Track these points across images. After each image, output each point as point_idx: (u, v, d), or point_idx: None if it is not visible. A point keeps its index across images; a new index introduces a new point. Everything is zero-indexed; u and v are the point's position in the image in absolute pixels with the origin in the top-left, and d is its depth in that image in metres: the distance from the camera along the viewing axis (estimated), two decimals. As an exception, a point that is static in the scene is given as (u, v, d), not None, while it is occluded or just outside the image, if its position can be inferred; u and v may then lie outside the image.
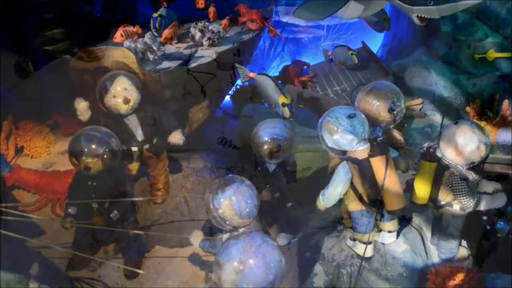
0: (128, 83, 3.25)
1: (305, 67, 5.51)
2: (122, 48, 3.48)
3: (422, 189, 3.04)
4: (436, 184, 3.04)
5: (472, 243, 3.33)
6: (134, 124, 3.37)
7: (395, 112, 2.93)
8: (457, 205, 3.03)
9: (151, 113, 3.42)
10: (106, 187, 2.99)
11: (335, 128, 2.68)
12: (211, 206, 2.43)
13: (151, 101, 3.48)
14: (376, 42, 5.77)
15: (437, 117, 4.85)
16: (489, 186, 3.15)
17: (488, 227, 3.27)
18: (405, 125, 4.33)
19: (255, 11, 4.92)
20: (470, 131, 2.90)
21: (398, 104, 2.94)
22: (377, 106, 2.93)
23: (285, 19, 5.51)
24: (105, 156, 2.89)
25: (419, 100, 4.91)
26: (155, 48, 3.65)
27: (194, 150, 4.35)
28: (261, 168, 3.14)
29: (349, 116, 2.66)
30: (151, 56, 3.66)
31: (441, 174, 3.02)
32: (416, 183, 3.08)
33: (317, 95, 4.44)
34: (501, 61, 4.78)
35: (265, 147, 3.04)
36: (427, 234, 3.42)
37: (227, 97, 5.31)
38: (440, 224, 3.21)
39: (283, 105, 3.45)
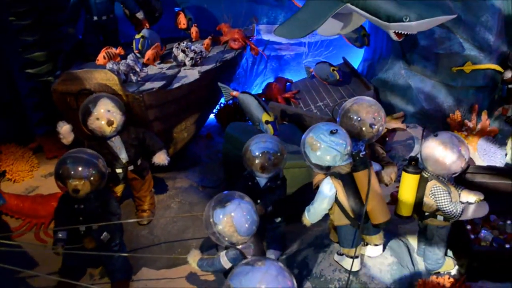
0: (111, 105, 3.26)
1: (288, 83, 5.57)
2: (104, 70, 3.49)
3: (406, 201, 3.07)
4: (419, 195, 3.08)
5: (457, 252, 3.38)
6: (118, 145, 3.37)
7: (376, 127, 2.98)
8: (441, 215, 3.08)
9: (135, 134, 3.42)
10: (93, 209, 2.96)
11: (318, 145, 2.70)
12: (211, 221, 2.42)
13: (135, 122, 3.48)
14: (357, 58, 5.87)
15: (418, 130, 4.93)
16: (471, 196, 3.21)
17: (472, 236, 3.33)
18: (387, 138, 4.39)
19: (237, 30, 4.99)
20: (450, 143, 2.96)
21: (379, 118, 3.00)
22: (359, 121, 2.98)
23: (266, 37, 5.59)
24: (92, 178, 2.87)
25: (401, 113, 5.00)
26: (137, 69, 3.68)
27: (180, 170, 4.36)
28: (252, 183, 3.16)
29: (331, 132, 2.69)
30: (134, 78, 3.68)
31: (424, 185, 3.06)
32: (399, 195, 3.11)
33: (300, 111, 4.48)
34: (478, 73, 4.91)
35: (257, 161, 3.06)
36: (414, 245, 3.46)
37: (212, 116, 5.34)
38: (425, 235, 3.25)
39: (267, 122, 3.48)
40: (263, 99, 5.16)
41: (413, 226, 3.51)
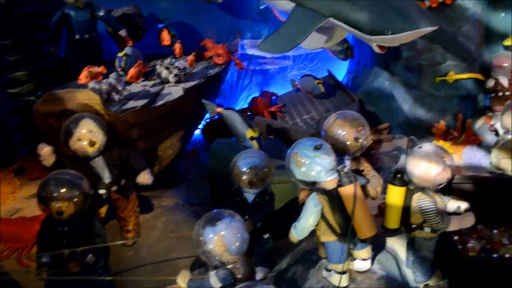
0: (93, 125, 3.22)
1: (274, 97, 5.58)
2: (86, 90, 3.45)
3: (392, 214, 3.06)
4: (406, 207, 3.07)
5: (446, 263, 3.36)
6: (100, 166, 3.32)
7: (360, 141, 2.98)
8: (428, 227, 3.07)
9: (118, 154, 3.38)
10: (77, 231, 2.90)
11: (303, 160, 2.69)
12: (201, 240, 2.38)
13: (118, 142, 3.44)
14: (341, 70, 5.91)
15: (404, 140, 4.95)
16: (457, 206, 3.21)
17: (459, 246, 3.33)
18: (372, 151, 4.39)
19: (221, 46, 5.00)
20: (434, 154, 2.96)
21: (363, 132, 2.99)
22: (343, 135, 2.97)
23: (251, 51, 5.60)
24: (76, 199, 2.81)
25: (386, 124, 5.02)
26: (120, 88, 3.65)
27: (165, 188, 4.32)
28: (240, 199, 3.13)
29: (316, 148, 2.68)
30: (116, 97, 3.64)
31: (410, 198, 3.05)
32: (386, 208, 3.10)
33: (286, 125, 4.48)
34: (461, 82, 4.97)
35: (244, 177, 3.03)
36: (402, 257, 3.44)
37: (198, 131, 5.31)
38: (413, 247, 3.23)
39: (251, 138, 3.46)
40: (249, 113, 5.16)
41: (401, 238, 3.49)
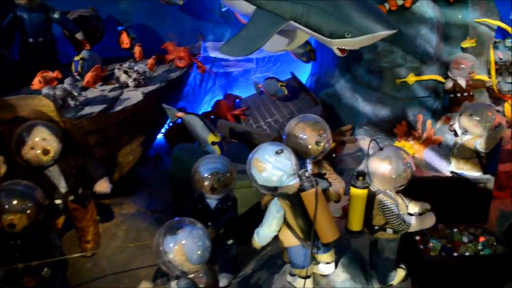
0: (47, 132, 3.08)
1: (237, 100, 5.53)
2: (39, 96, 3.31)
3: (355, 216, 3.06)
4: (368, 209, 3.09)
5: (408, 264, 3.40)
6: (56, 175, 3.19)
7: (322, 144, 2.97)
8: (390, 228, 3.09)
9: (74, 162, 3.25)
10: (32, 244, 2.76)
11: (264, 165, 2.66)
12: (161, 250, 2.30)
13: (74, 149, 3.31)
14: (305, 72, 5.93)
15: (367, 141, 4.99)
16: (418, 207, 3.26)
17: (421, 246, 3.37)
18: (333, 154, 4.41)
19: (183, 48, 4.92)
20: (395, 156, 2.99)
21: (325, 135, 2.99)
22: (304, 139, 2.96)
23: (213, 54, 5.54)
24: (29, 211, 2.68)
25: (349, 126, 5.06)
26: (75, 93, 3.52)
27: (127, 195, 4.20)
28: (202, 205, 3.07)
29: (277, 152, 2.65)
30: (72, 103, 3.51)
31: (372, 199, 3.08)
32: (349, 210, 3.11)
33: (249, 129, 4.44)
34: (421, 84, 5.06)
35: (206, 182, 2.97)
36: (366, 259, 3.46)
37: (160, 136, 5.21)
38: (376, 249, 3.25)
39: (213, 143, 3.42)
40: (212, 116, 5.09)
41: (365, 239, 3.51)
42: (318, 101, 4.92)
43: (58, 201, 3.25)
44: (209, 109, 5.44)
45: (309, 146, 2.95)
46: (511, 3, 5.43)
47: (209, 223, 3.01)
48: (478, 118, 3.89)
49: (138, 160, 4.20)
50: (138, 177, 4.61)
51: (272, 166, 2.65)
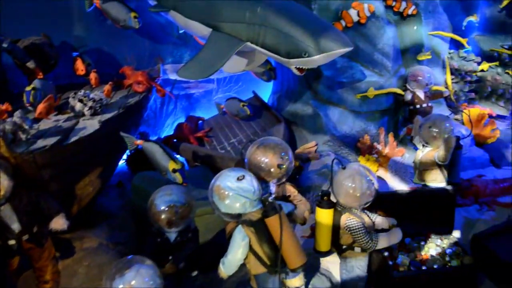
0: (-4, 170, 2.92)
1: (200, 122, 5.45)
2: (-13, 132, 3.14)
3: (323, 237, 3.04)
4: (335, 229, 3.06)
5: (379, 280, 3.38)
6: (8, 214, 3.00)
7: (284, 166, 2.93)
8: (358, 247, 3.07)
9: (27, 199, 3.08)
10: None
11: (226, 193, 2.59)
12: None
13: (27, 186, 3.15)
14: (267, 90, 5.91)
15: (331, 157, 5.00)
16: (385, 223, 3.26)
17: (390, 262, 3.36)
18: (297, 176, 4.38)
19: (141, 73, 4.81)
20: (358, 174, 2.99)
21: (287, 157, 2.95)
22: (266, 163, 2.91)
23: (173, 76, 5.45)
24: None
25: (313, 143, 5.05)
26: (26, 126, 3.35)
27: (88, 227, 4.03)
28: (162, 239, 2.95)
29: (238, 179, 2.60)
30: (23, 136, 3.34)
31: (338, 219, 3.05)
32: (316, 231, 3.08)
33: (211, 152, 4.36)
34: (381, 97, 5.12)
35: (163, 216, 2.86)
36: (337, 278, 3.42)
37: (122, 162, 5.05)
38: (345, 268, 3.21)
39: (174, 171, 3.31)
40: (175, 140, 4.98)
41: (334, 258, 3.47)
42: (280, 119, 4.90)
43: (11, 242, 3.06)
44: (171, 132, 5.33)
45: (272, 170, 2.91)
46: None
47: (170, 257, 2.90)
48: (437, 130, 3.94)
49: (98, 190, 4.04)
50: (99, 207, 4.43)
51: (234, 193, 2.58)
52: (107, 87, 4.33)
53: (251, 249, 2.67)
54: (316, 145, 5.06)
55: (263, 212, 2.62)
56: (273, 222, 2.58)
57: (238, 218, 2.67)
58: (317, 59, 3.58)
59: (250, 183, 2.62)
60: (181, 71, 3.91)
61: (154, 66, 5.24)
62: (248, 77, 5.59)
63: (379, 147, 5.13)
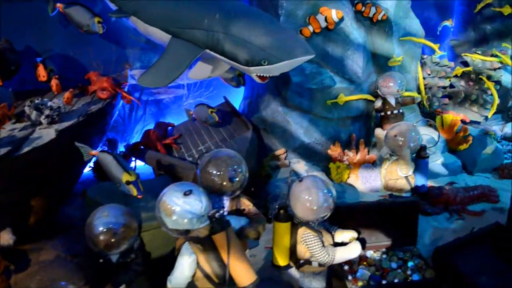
0: None
1: (170, 128, 5.34)
2: None
3: (280, 251, 2.97)
4: (293, 243, 2.99)
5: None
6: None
7: (237, 179, 2.84)
8: (315, 261, 3.00)
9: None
10: None
11: (173, 208, 2.50)
12: None
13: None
14: (239, 96, 5.82)
15: (301, 165, 4.93)
16: (345, 236, 3.19)
17: (349, 277, 3.29)
18: (252, 189, 4.29)
19: (106, 78, 4.68)
20: (314, 187, 2.92)
21: (240, 170, 2.86)
22: (218, 176, 2.82)
23: (142, 82, 5.33)
24: None
25: (282, 150, 4.98)
26: (-26, 137, 3.23)
27: (48, 238, 3.90)
28: (104, 259, 2.83)
29: (185, 194, 2.51)
30: (-29, 147, 3.23)
31: (295, 233, 2.98)
32: (273, 245, 3.01)
33: (174, 161, 4.25)
34: (351, 104, 5.06)
35: (101, 238, 2.75)
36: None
37: (88, 170, 4.94)
38: (303, 283, 3.14)
39: (127, 183, 3.21)
40: (142, 147, 4.87)
41: (294, 271, 3.39)
42: (249, 126, 4.80)
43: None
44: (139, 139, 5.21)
45: (224, 183, 2.82)
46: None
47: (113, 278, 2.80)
48: (402, 139, 3.89)
49: (59, 200, 3.93)
50: (62, 218, 4.31)
51: (181, 209, 2.49)
52: (67, 94, 4.22)
53: (198, 266, 2.58)
54: (286, 152, 4.99)
55: (211, 228, 2.53)
56: (220, 239, 2.50)
57: (186, 234, 2.58)
58: (277, 67, 3.51)
59: (198, 198, 2.53)
60: (141, 79, 3.81)
61: (121, 72, 5.13)
62: (220, 82, 5.50)
63: (350, 154, 5.08)
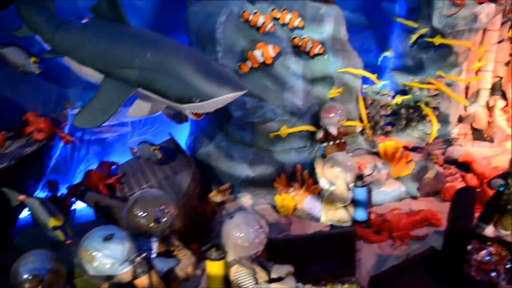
0: None
1: (114, 167, 5.23)
2: None
3: (214, 291, 2.91)
4: (227, 282, 2.95)
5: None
6: None
7: (163, 220, 2.80)
8: (250, 299, 2.95)
9: None
10: None
11: (93, 254, 2.43)
12: None
13: None
14: (186, 132, 5.80)
15: (247, 198, 4.92)
16: (282, 270, 3.16)
17: (288, 312, 3.24)
18: (181, 227, 4.25)
19: (43, 119, 4.57)
20: (244, 224, 2.90)
21: (167, 210, 2.83)
22: (144, 217, 2.78)
23: (82, 121, 5.24)
24: None
25: (227, 185, 4.96)
26: None
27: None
28: None
29: (106, 239, 2.45)
30: None
31: (228, 270, 2.94)
32: (208, 285, 2.95)
33: (112, 202, 4.16)
34: (294, 136, 5.13)
35: (27, 286, 2.62)
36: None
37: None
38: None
39: (54, 228, 3.10)
40: (83, 188, 4.74)
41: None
42: (192, 162, 4.77)
43: None
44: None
45: (150, 225, 2.77)
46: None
47: None
48: (339, 169, 3.96)
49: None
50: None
51: (101, 255, 2.42)
52: (-1, 137, 4.10)
53: (122, 313, 2.50)
54: (230, 187, 4.97)
55: (133, 272, 2.47)
56: (141, 283, 2.44)
57: (109, 280, 2.50)
58: (209, 104, 3.53)
59: (119, 242, 2.47)
60: (74, 119, 3.77)
61: (62, 111, 5.04)
62: (165, 118, 5.48)
63: (296, 185, 5.10)
